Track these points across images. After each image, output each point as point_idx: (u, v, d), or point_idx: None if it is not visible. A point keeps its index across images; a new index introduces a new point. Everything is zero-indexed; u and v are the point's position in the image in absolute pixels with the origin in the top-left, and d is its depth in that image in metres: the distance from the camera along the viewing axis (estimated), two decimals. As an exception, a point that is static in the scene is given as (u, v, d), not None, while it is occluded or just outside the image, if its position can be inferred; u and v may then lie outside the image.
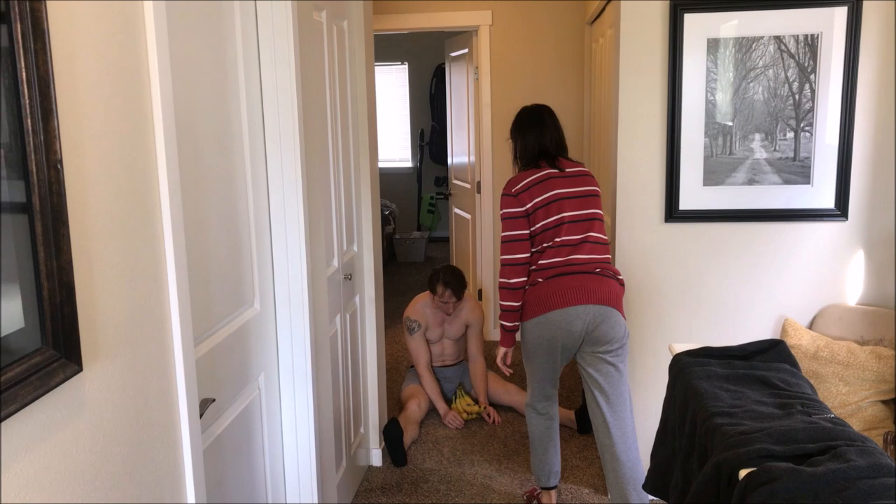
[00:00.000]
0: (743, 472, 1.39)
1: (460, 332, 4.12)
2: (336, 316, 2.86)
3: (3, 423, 1.00)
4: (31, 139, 1.03)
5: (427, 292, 4.06)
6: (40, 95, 1.04)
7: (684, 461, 1.76)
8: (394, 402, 4.14)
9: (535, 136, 2.85)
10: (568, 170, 2.81)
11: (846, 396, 2.73)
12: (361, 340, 3.32)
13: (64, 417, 1.14)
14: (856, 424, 2.70)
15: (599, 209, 2.81)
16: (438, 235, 8.41)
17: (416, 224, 8.42)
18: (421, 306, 4.06)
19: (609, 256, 2.81)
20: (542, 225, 2.74)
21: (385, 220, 7.56)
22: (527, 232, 2.76)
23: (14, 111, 1.01)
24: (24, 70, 1.01)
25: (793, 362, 1.87)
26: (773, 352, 1.90)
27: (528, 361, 2.89)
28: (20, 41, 1.01)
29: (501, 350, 2.96)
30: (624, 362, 2.78)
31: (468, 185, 5.35)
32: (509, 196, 2.79)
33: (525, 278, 2.77)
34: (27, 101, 1.02)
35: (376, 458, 3.52)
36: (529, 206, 2.75)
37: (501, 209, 2.81)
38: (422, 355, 4.02)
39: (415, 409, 3.85)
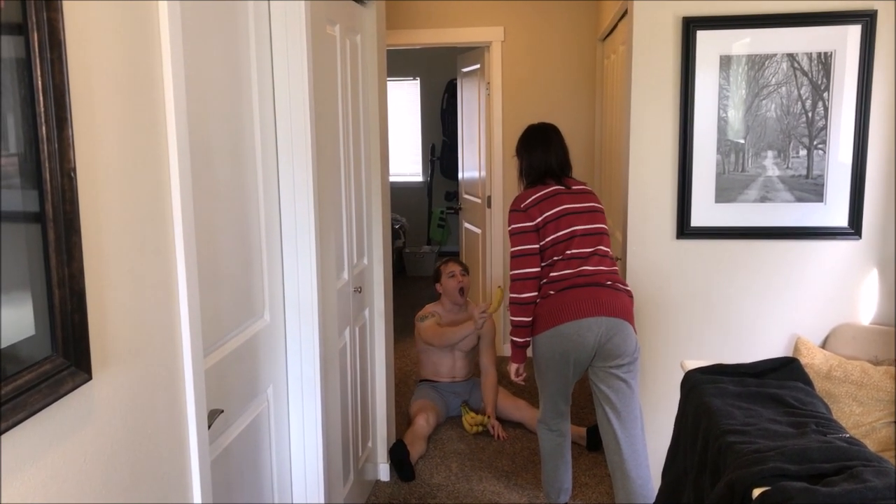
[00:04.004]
0: (756, 492, 1.37)
1: (472, 344, 4.13)
2: (345, 329, 2.86)
3: (12, 431, 1.00)
4: (45, 147, 1.03)
5: (437, 302, 4.21)
6: (55, 104, 1.04)
7: (696, 479, 1.74)
8: (402, 417, 4.12)
9: (541, 155, 2.89)
10: (574, 187, 2.85)
11: (860, 417, 2.70)
12: (370, 354, 3.31)
13: (73, 426, 1.14)
14: (869, 446, 2.66)
15: (605, 224, 2.84)
16: (448, 250, 8.40)
17: (427, 238, 8.42)
18: (431, 307, 4.20)
19: (617, 268, 2.82)
20: (553, 238, 2.74)
21: (395, 234, 7.56)
22: (537, 246, 2.76)
23: (29, 120, 1.02)
24: (39, 79, 1.02)
25: (806, 380, 1.85)
26: (786, 370, 1.88)
27: (540, 376, 2.87)
28: (37, 50, 1.01)
29: (513, 366, 2.95)
30: (635, 379, 2.77)
31: (478, 200, 5.35)
32: (518, 212, 2.80)
33: (536, 293, 2.77)
34: (42, 110, 1.03)
35: (384, 472, 3.50)
36: (539, 220, 2.76)
37: (510, 225, 2.82)
38: (435, 327, 4.05)
39: (423, 424, 3.83)
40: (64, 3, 1.07)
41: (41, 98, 1.02)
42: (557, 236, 2.75)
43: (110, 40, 1.23)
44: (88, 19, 1.17)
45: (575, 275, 2.72)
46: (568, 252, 2.73)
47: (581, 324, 2.67)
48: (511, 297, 2.81)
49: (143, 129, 1.33)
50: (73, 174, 1.08)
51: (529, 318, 2.78)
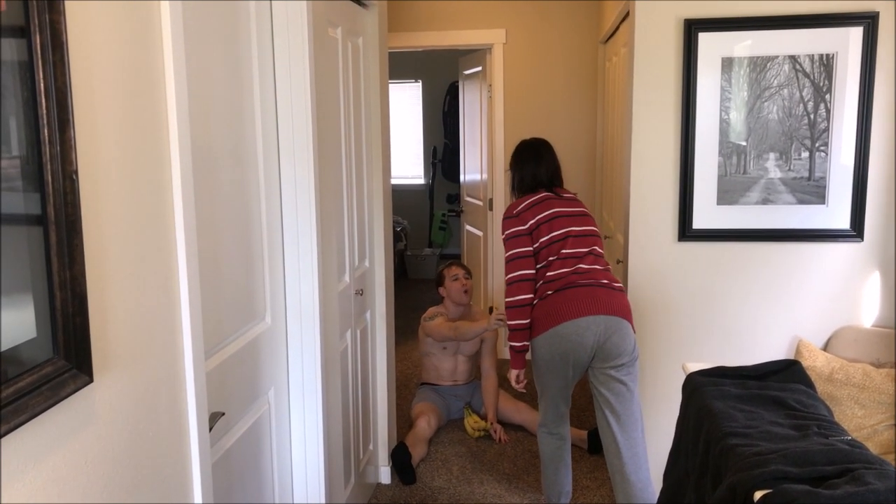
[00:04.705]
0: (758, 494, 1.37)
1: (475, 348, 4.13)
2: (347, 331, 2.86)
3: (13, 434, 1.00)
4: (47, 150, 1.03)
5: (440, 305, 4.18)
6: (57, 106, 1.04)
7: (697, 482, 1.74)
8: (403, 420, 4.11)
9: (532, 169, 2.96)
10: (563, 195, 2.93)
11: (862, 420, 2.69)
12: (372, 356, 3.31)
13: (74, 428, 1.14)
14: (871, 448, 2.66)
15: (597, 228, 2.90)
16: (450, 252, 8.41)
17: (428, 241, 8.42)
18: (435, 309, 4.16)
19: (611, 267, 2.86)
20: (549, 238, 2.78)
21: (397, 237, 7.57)
22: (531, 248, 2.80)
23: (31, 122, 1.02)
24: (42, 81, 1.02)
25: (808, 383, 1.85)
26: (788, 372, 1.88)
27: (540, 379, 2.87)
28: (39, 53, 1.02)
29: (514, 372, 2.95)
30: (635, 381, 2.77)
31: (480, 203, 5.35)
32: (511, 217, 2.87)
33: (531, 294, 2.78)
34: (44, 112, 1.03)
35: (385, 475, 3.49)
36: (532, 222, 2.81)
37: (503, 232, 2.87)
38: (448, 322, 3.98)
39: (424, 427, 3.82)
40: (66, 4, 1.07)
41: (43, 100, 1.02)
42: (553, 236, 2.78)
43: (112, 42, 1.23)
44: (90, 21, 1.17)
45: (571, 272, 2.75)
46: (564, 251, 2.77)
47: (579, 323, 2.68)
48: (507, 301, 2.81)
49: (145, 130, 1.33)
50: (74, 176, 1.08)
51: (527, 321, 2.78)
